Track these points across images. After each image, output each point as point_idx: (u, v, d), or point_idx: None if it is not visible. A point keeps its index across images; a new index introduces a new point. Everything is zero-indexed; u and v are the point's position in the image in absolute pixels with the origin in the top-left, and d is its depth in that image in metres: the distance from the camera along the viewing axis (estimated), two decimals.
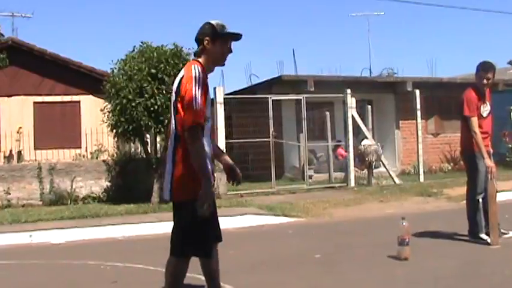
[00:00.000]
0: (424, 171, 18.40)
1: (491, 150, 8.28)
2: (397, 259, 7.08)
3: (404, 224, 7.12)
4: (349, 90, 17.11)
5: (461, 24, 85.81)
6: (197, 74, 4.50)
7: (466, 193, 8.41)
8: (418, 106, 18.36)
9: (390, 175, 17.45)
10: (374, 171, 17.63)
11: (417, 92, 18.53)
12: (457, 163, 20.04)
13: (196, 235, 4.56)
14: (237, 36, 4.84)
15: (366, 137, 17.39)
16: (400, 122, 22.05)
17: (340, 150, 18.76)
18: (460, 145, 8.64)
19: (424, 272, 6.58)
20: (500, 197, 12.53)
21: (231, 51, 4.81)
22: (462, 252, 7.59)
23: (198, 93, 4.43)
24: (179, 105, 4.51)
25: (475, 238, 8.12)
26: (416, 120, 18.35)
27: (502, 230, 8.23)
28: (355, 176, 17.19)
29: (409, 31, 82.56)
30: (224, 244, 4.91)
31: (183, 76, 4.57)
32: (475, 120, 7.96)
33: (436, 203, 13.19)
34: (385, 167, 17.70)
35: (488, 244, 7.81)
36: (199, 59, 4.73)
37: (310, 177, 17.90)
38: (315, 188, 16.56)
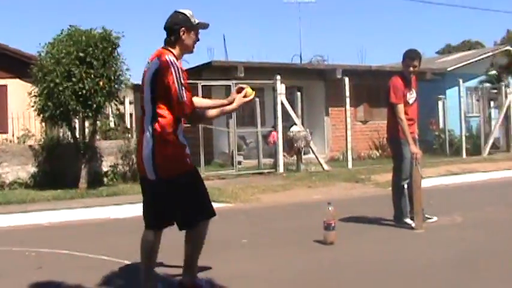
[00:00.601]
0: (352, 158, 18.67)
1: (417, 137, 8.45)
2: (323, 243, 7.15)
3: (330, 209, 7.19)
4: (279, 77, 17.17)
5: (391, 13, 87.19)
6: (175, 65, 4.69)
7: (392, 179, 8.57)
8: (347, 93, 18.60)
9: (319, 161, 17.62)
10: (303, 157, 17.78)
11: (346, 79, 18.79)
12: (385, 150, 20.37)
13: (203, 198, 4.97)
14: (206, 26, 5.04)
15: (295, 124, 17.49)
16: (330, 109, 22.33)
17: (274, 135, 18.79)
18: (386, 132, 8.77)
19: (349, 256, 6.67)
20: (426, 183, 12.80)
21: (199, 40, 4.99)
22: (387, 237, 7.73)
23: (180, 85, 4.66)
24: (160, 94, 4.70)
25: (399, 223, 8.28)
26: (345, 107, 18.60)
27: (426, 215, 8.42)
28: (284, 162, 17.28)
29: (340, 19, 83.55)
30: None
31: (158, 67, 4.70)
32: (401, 107, 8.09)
33: (363, 189, 13.39)
34: (314, 153, 17.86)
35: (413, 229, 7.97)
36: (172, 48, 4.86)
37: (240, 163, 17.92)
38: (244, 174, 16.63)
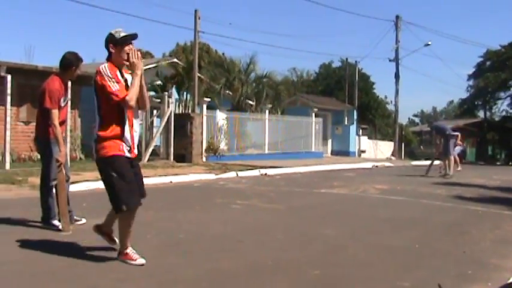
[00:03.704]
0: (12, 160, 18.18)
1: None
2: None
3: None
4: None
5: (58, 14, 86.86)
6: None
7: (40, 180, 8.51)
8: (9, 91, 18.02)
9: None
10: None
11: (9, 77, 18.17)
12: None
13: None
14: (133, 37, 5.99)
15: None
16: None
17: None
18: (35, 131, 8.74)
19: None
20: (82, 186, 13.00)
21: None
22: (32, 238, 7.65)
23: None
24: None
25: (47, 224, 8.28)
26: (6, 106, 17.98)
27: (76, 217, 8.54)
28: None
29: (5, 17, 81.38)
30: None
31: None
32: (55, 113, 8.07)
33: (18, 191, 13.05)
34: None
35: (60, 230, 8.01)
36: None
37: None
38: None
